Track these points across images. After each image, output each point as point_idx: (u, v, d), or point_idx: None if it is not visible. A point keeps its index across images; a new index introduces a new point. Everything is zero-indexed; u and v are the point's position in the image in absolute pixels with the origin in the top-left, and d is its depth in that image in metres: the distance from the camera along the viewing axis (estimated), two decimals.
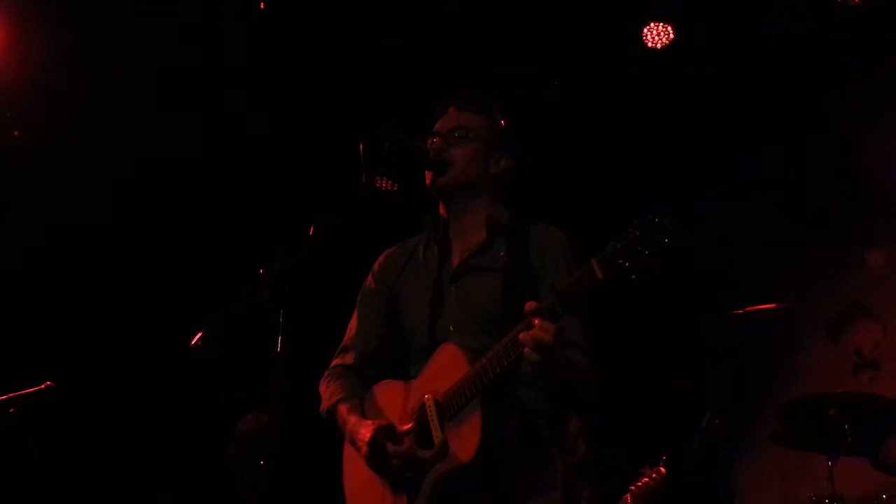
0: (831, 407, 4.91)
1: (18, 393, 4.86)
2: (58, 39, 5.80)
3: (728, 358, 5.89)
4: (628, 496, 5.32)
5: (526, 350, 2.82)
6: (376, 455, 3.09)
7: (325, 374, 3.44)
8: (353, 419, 3.21)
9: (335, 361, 3.45)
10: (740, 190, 6.45)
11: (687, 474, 5.08)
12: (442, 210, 3.40)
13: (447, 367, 3.07)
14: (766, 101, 6.15)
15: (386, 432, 3.08)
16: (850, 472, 5.03)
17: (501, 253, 3.25)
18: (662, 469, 5.28)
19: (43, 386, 4.87)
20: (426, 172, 3.32)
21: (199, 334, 3.08)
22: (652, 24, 5.85)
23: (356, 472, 3.26)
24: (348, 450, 3.32)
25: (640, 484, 5.30)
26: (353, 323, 3.46)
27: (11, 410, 4.82)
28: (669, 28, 5.86)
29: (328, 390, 3.37)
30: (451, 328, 3.19)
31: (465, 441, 2.95)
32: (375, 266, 3.50)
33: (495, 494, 3.02)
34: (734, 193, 6.44)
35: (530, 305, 2.84)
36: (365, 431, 3.12)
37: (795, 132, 6.27)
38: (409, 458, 3.05)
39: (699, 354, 6.02)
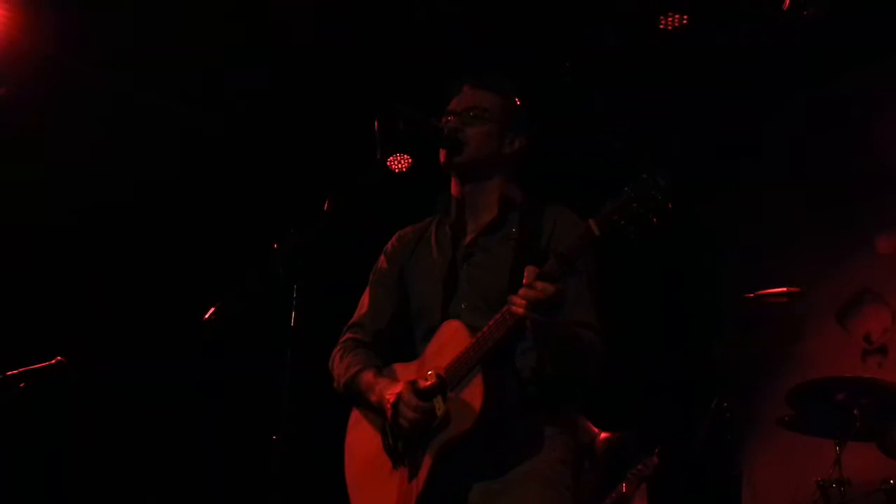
0: (840, 392, 4.91)
1: (29, 367, 4.87)
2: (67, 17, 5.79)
3: (738, 342, 5.89)
4: (624, 484, 5.33)
5: (516, 308, 2.84)
6: (398, 409, 3.07)
7: (336, 348, 3.44)
8: (382, 382, 3.21)
9: (346, 336, 3.45)
10: (754, 174, 6.43)
11: (695, 458, 5.07)
12: (454, 189, 3.39)
13: (449, 341, 3.08)
14: (783, 84, 6.11)
15: (414, 387, 3.08)
16: (857, 456, 5.03)
17: (513, 230, 3.25)
18: (655, 459, 5.29)
19: (54, 361, 4.89)
20: (440, 151, 3.32)
21: (212, 309, 3.08)
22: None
23: (358, 456, 3.27)
24: (350, 435, 3.33)
25: (634, 472, 5.32)
26: (365, 300, 3.47)
27: (22, 385, 4.83)
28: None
29: (342, 363, 3.36)
30: (462, 306, 3.19)
31: (467, 406, 2.96)
32: (388, 246, 3.51)
33: (499, 466, 3.02)
34: (748, 177, 6.42)
35: (529, 269, 2.86)
36: (396, 389, 3.11)
37: (812, 117, 6.23)
38: (428, 415, 3.03)
39: (708, 338, 6.02)
